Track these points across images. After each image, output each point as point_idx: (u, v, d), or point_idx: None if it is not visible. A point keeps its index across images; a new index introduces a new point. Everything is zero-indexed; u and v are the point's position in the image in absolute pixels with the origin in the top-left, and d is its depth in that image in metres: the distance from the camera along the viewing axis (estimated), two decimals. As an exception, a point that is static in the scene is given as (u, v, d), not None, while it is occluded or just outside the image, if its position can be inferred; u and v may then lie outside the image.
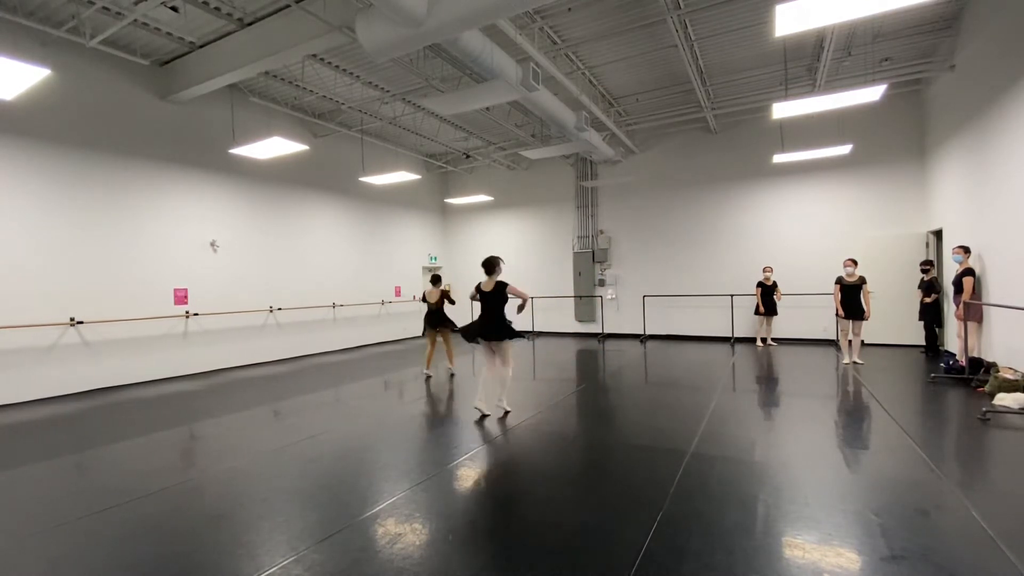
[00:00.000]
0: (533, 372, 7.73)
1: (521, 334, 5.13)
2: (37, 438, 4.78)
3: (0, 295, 6.15)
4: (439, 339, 7.54)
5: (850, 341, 7.49)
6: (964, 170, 7.21)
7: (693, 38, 7.32)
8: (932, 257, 8.69)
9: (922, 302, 8.08)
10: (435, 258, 14.37)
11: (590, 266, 12.50)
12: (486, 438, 4.40)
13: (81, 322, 6.84)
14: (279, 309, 9.62)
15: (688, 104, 9.95)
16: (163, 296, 7.80)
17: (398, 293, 12.69)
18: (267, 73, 8.10)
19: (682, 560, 2.35)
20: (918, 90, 9.14)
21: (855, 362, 7.45)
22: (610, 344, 10.75)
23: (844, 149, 8.21)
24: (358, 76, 8.38)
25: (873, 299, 8.48)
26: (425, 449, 4.15)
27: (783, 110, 6.61)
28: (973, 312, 6.53)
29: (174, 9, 6.25)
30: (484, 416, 5.06)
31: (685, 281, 11.41)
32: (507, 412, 5.13)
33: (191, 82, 7.33)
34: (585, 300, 12.60)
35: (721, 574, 2.24)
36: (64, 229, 6.75)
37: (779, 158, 8.57)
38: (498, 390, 5.15)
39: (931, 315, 8.04)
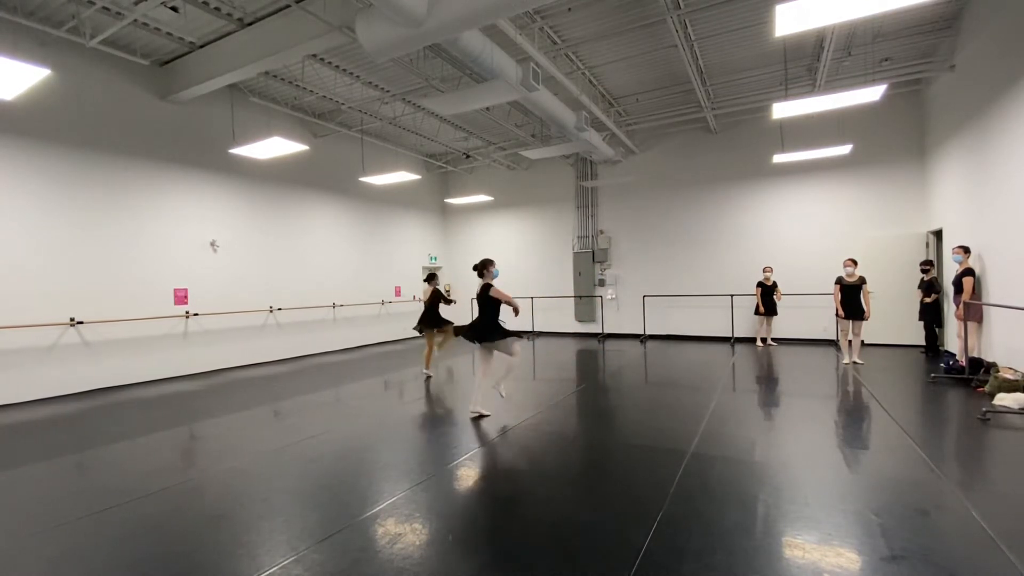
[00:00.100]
0: (533, 372, 7.73)
1: (510, 334, 5.03)
2: (37, 438, 4.78)
3: (0, 295, 6.15)
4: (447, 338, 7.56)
5: (850, 341, 7.49)
6: (964, 170, 7.21)
7: (693, 38, 7.32)
8: (932, 257, 8.69)
9: (922, 302, 8.08)
10: (435, 258, 14.37)
11: (590, 266, 12.50)
12: (486, 438, 4.40)
13: (81, 322, 6.84)
14: (279, 309, 9.62)
15: (688, 104, 9.95)
16: (163, 296, 7.80)
17: (398, 293, 12.69)
18: (267, 73, 8.10)
19: (682, 560, 2.35)
20: (918, 90, 9.14)
21: (855, 362, 7.45)
22: (610, 344, 10.75)
23: (844, 149, 8.21)
24: (358, 76, 8.38)
25: (873, 299, 8.48)
26: (425, 449, 4.15)
27: (783, 110, 6.61)
28: (973, 312, 6.53)
29: (174, 9, 6.25)
30: (482, 416, 5.05)
31: (685, 281, 11.41)
32: (501, 396, 5.23)
33: (191, 82, 7.33)
34: (585, 300, 12.60)
35: (721, 574, 2.24)
36: (64, 229, 6.75)
37: (779, 158, 8.57)
38: (500, 374, 5.18)
39: (931, 315, 8.04)
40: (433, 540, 2.62)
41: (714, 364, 7.84)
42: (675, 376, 7.04)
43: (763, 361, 8.06)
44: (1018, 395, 4.79)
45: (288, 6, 6.15)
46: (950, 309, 7.82)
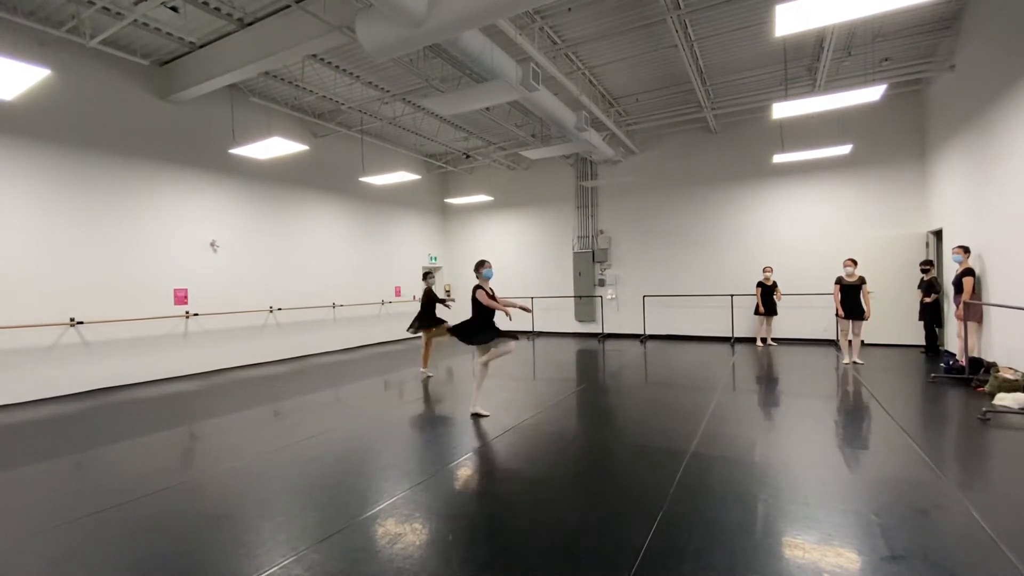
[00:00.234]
0: (533, 372, 7.73)
1: (501, 335, 5.00)
2: (37, 438, 4.78)
3: (0, 295, 6.15)
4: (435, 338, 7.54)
5: (850, 341, 7.49)
6: (964, 170, 7.21)
7: (693, 38, 7.32)
8: (932, 257, 8.69)
9: (922, 302, 8.08)
10: (435, 258, 14.37)
11: (590, 266, 12.50)
12: (485, 438, 4.40)
13: (81, 322, 6.84)
14: (279, 309, 9.62)
15: (688, 104, 9.94)
16: (163, 296, 7.80)
17: (398, 293, 12.69)
18: (267, 73, 8.10)
19: (682, 560, 2.35)
20: (918, 90, 9.14)
21: (855, 362, 7.45)
22: (610, 344, 10.75)
23: (844, 149, 8.21)
24: (358, 76, 8.38)
25: (873, 299, 8.48)
26: (425, 449, 4.15)
27: (783, 110, 6.61)
28: (973, 312, 6.53)
29: (174, 9, 6.25)
30: (482, 416, 5.05)
31: (685, 281, 11.41)
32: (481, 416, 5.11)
33: (191, 82, 7.33)
34: (585, 300, 12.60)
35: (721, 574, 2.24)
36: (64, 229, 6.75)
37: (779, 158, 8.57)
38: (488, 356, 5.14)
39: (931, 315, 8.04)
40: (433, 540, 2.63)
41: (714, 364, 7.84)
42: (675, 376, 7.04)
43: (763, 361, 8.06)
44: (1018, 395, 4.79)
45: (288, 6, 6.14)
46: (950, 309, 7.82)
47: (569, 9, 6.55)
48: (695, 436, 4.23)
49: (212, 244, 8.49)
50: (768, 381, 6.56)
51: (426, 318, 7.34)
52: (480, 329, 5.02)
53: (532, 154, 9.64)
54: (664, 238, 11.70)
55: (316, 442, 4.36)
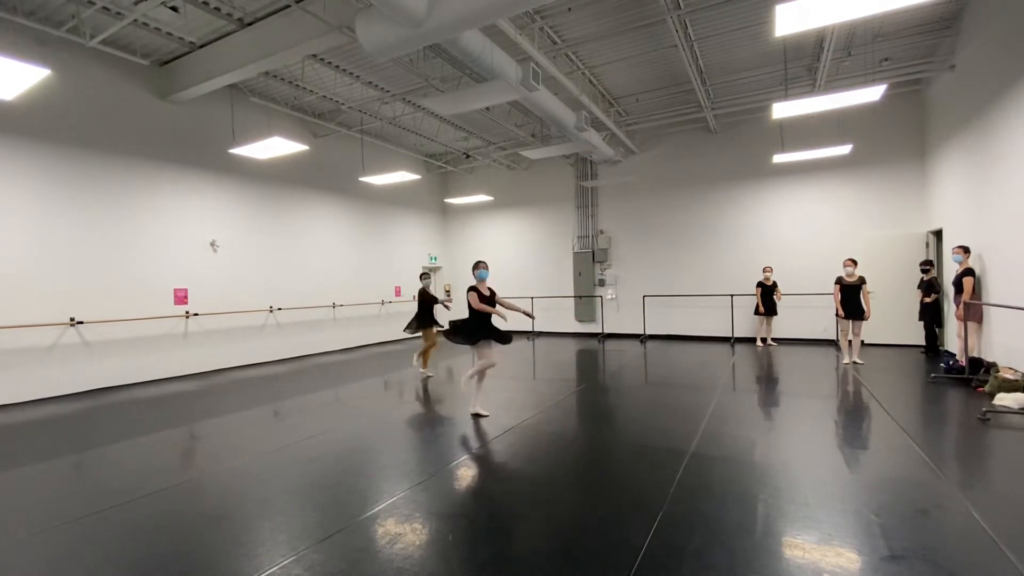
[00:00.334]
0: (533, 372, 7.73)
1: (484, 336, 4.98)
2: (37, 438, 4.78)
3: (0, 295, 6.15)
4: (436, 338, 7.51)
5: (850, 341, 7.49)
6: (964, 170, 7.21)
7: (693, 38, 7.32)
8: (932, 257, 8.69)
9: (922, 302, 8.08)
10: (435, 258, 14.37)
11: (590, 266, 12.50)
12: (485, 438, 4.40)
13: (81, 322, 6.84)
14: (279, 309, 9.62)
15: (688, 104, 9.94)
16: (163, 296, 7.80)
17: (398, 293, 12.69)
18: (267, 73, 8.10)
19: (682, 560, 2.35)
20: (918, 90, 9.14)
21: (855, 362, 7.45)
22: (610, 344, 10.75)
23: (844, 149, 8.21)
24: (358, 76, 8.38)
25: (873, 299, 8.48)
26: (425, 449, 4.15)
27: (783, 110, 6.61)
28: (973, 312, 6.53)
29: (174, 9, 6.25)
30: (482, 416, 5.05)
31: (685, 281, 11.41)
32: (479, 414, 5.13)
33: (191, 82, 7.33)
34: (585, 300, 12.60)
35: (721, 574, 2.24)
36: (64, 229, 6.75)
37: (779, 158, 8.57)
38: (475, 368, 5.15)
39: (931, 315, 8.04)
40: (433, 540, 2.63)
41: (714, 364, 7.84)
42: (675, 376, 7.04)
43: (763, 361, 8.06)
44: (1018, 395, 4.79)
45: (288, 6, 6.15)
46: (950, 309, 7.82)
47: (569, 9, 6.55)
48: (695, 436, 4.23)
49: (212, 244, 8.49)
50: (768, 381, 6.56)
51: (423, 319, 7.32)
52: (472, 330, 4.98)
53: (532, 154, 9.64)
54: (664, 238, 11.70)
55: (316, 442, 4.36)
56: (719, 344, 10.20)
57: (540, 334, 13.01)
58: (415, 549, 2.53)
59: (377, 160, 12.01)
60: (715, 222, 11.10)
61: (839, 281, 7.44)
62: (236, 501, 3.18)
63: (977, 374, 5.81)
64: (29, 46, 6.34)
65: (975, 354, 6.42)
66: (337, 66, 8.00)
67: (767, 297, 9.70)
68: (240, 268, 8.95)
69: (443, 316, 7.69)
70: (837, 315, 7.53)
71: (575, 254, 12.75)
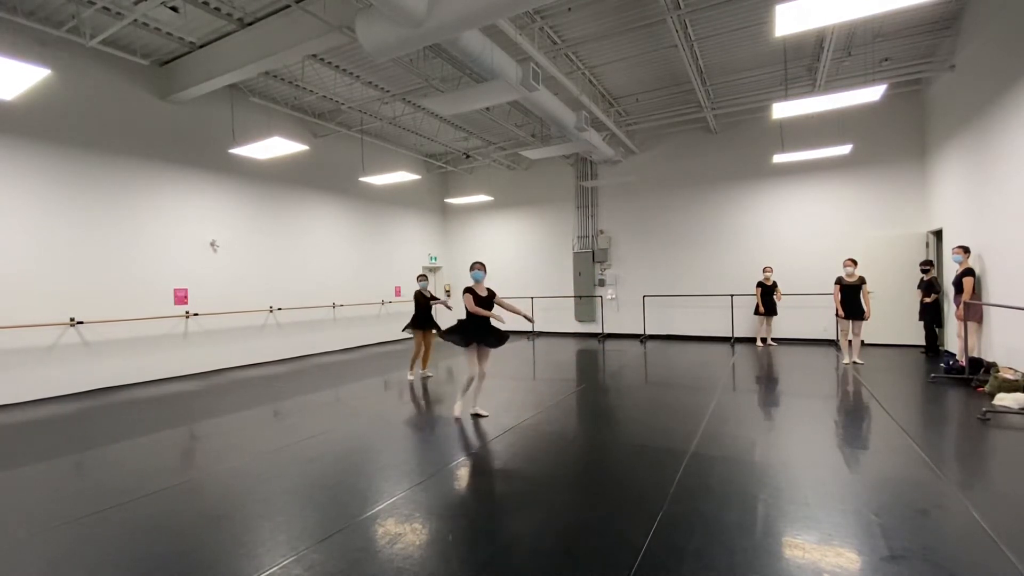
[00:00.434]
0: (533, 372, 7.73)
1: (465, 343, 4.94)
2: (37, 438, 4.78)
3: (0, 295, 6.15)
4: (432, 340, 7.44)
5: (850, 341, 7.49)
6: (964, 170, 7.21)
7: (693, 38, 7.32)
8: (932, 257, 8.69)
9: (922, 302, 8.08)
10: (435, 258, 14.38)
11: (590, 266, 12.50)
12: (485, 438, 4.40)
13: (81, 322, 6.84)
14: (279, 309, 9.62)
15: (688, 104, 9.95)
16: (163, 296, 7.80)
17: (398, 293, 12.69)
18: (267, 73, 8.10)
19: (682, 560, 2.35)
20: (918, 90, 9.14)
21: (855, 362, 7.45)
22: (610, 344, 10.75)
23: (844, 149, 8.21)
24: (358, 76, 8.38)
25: (873, 299, 8.48)
26: (425, 449, 4.15)
27: (783, 110, 6.61)
28: (973, 312, 6.53)
29: (174, 9, 6.25)
30: (481, 416, 5.05)
31: (685, 281, 11.41)
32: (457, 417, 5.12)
33: (191, 82, 7.33)
34: (585, 300, 12.60)
35: (721, 574, 2.24)
36: (64, 229, 6.75)
37: (779, 158, 8.57)
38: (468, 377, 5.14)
39: (931, 315, 8.04)
40: (433, 540, 2.62)
41: (714, 364, 7.84)
42: (675, 376, 7.04)
43: (763, 361, 8.06)
44: (1018, 395, 4.79)
45: (288, 6, 6.15)
46: (950, 309, 7.82)
47: (569, 9, 6.55)
48: (695, 436, 4.23)
49: (212, 244, 8.49)
50: (768, 381, 6.56)
51: (415, 321, 7.25)
52: (467, 332, 4.96)
53: (532, 154, 9.64)
54: (664, 238, 11.70)
55: (316, 442, 4.36)
56: (719, 344, 10.20)
57: (540, 334, 13.01)
58: (415, 549, 2.53)
59: (377, 160, 12.01)
60: (715, 222, 11.10)
61: (839, 281, 7.44)
62: (236, 501, 3.18)
63: (977, 374, 5.81)
64: (29, 46, 6.34)
65: (975, 354, 6.42)
66: (337, 66, 8.00)
67: (767, 297, 9.70)
68: (240, 268, 8.95)
69: (446, 318, 7.63)
70: (837, 315, 7.53)
71: (575, 254, 12.75)
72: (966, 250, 6.57)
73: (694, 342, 10.67)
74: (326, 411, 5.51)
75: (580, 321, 12.83)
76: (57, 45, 6.59)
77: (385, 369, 8.29)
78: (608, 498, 3.09)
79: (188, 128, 8.23)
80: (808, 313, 10.07)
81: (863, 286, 7.31)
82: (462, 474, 3.56)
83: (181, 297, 8.02)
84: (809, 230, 10.16)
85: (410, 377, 7.25)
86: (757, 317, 9.95)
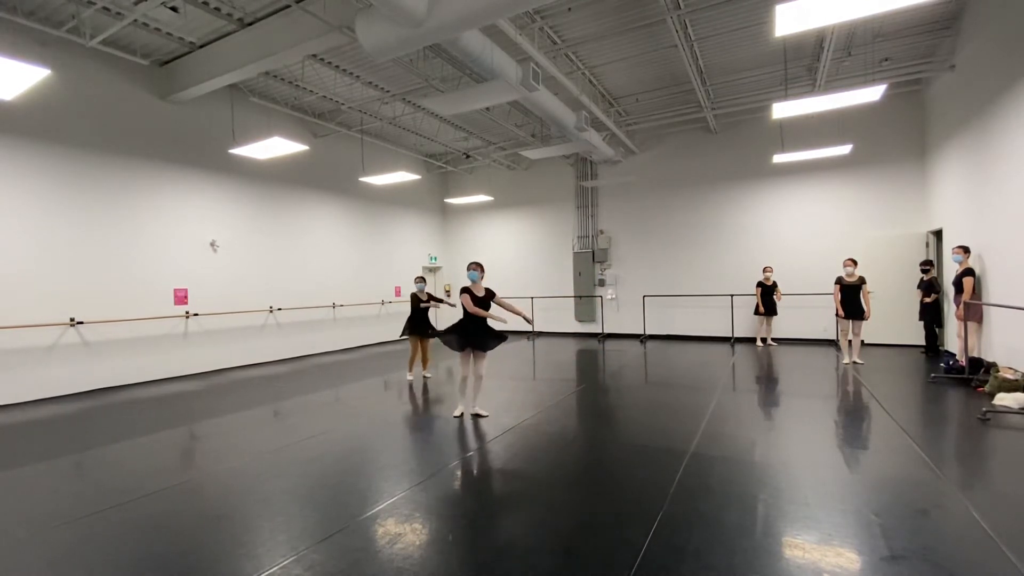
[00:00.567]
0: (533, 372, 7.73)
1: (460, 348, 4.99)
2: (37, 438, 4.78)
3: (0, 295, 6.15)
4: (429, 344, 7.42)
5: (850, 341, 7.49)
6: (964, 170, 7.21)
7: (693, 38, 7.32)
8: (932, 257, 8.69)
9: (922, 302, 8.08)
10: (435, 258, 14.38)
11: (590, 266, 12.50)
12: (485, 438, 4.40)
13: (81, 322, 6.84)
14: (279, 309, 9.62)
15: (688, 104, 9.95)
16: (163, 296, 7.80)
17: (398, 293, 12.69)
18: (267, 73, 8.10)
19: (682, 560, 2.35)
20: (918, 90, 9.14)
21: (855, 362, 7.45)
22: (610, 344, 10.75)
23: (844, 149, 8.21)
24: (358, 76, 8.38)
25: (873, 299, 8.48)
26: (425, 449, 4.15)
27: (783, 110, 6.61)
28: (973, 312, 6.53)
29: (174, 9, 6.25)
30: (481, 416, 5.05)
31: (685, 281, 11.41)
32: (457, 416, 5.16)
33: (191, 82, 7.33)
34: (585, 300, 12.60)
35: (721, 574, 2.24)
36: (64, 229, 6.75)
37: (779, 158, 8.57)
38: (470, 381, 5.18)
39: (931, 315, 8.04)
40: (433, 540, 2.63)
41: (714, 364, 7.84)
42: (675, 376, 7.04)
43: (763, 361, 8.06)
44: (1018, 395, 4.79)
45: (288, 6, 6.15)
46: (950, 309, 7.82)
47: (569, 9, 6.55)
48: (695, 436, 4.23)
49: (212, 244, 8.49)
50: (768, 381, 6.56)
51: (413, 324, 7.18)
52: (464, 333, 4.97)
53: (532, 154, 9.64)
54: (664, 238, 11.70)
55: (316, 442, 4.36)
56: (719, 344, 10.20)
57: (540, 334, 13.01)
58: (415, 549, 2.53)
59: (377, 160, 12.01)
60: (715, 222, 11.10)
61: (839, 281, 7.44)
62: (236, 501, 3.18)
63: (977, 374, 5.81)
64: (29, 46, 6.34)
65: (975, 354, 6.43)
66: (337, 66, 8.00)
67: (767, 297, 9.70)
68: (240, 268, 8.95)
69: (446, 316, 7.60)
70: (837, 315, 7.53)
71: (575, 254, 12.75)
72: (966, 250, 6.57)
73: (694, 342, 10.67)
74: (326, 411, 5.51)
75: (580, 321, 12.83)
76: (57, 45, 6.59)
77: (385, 369, 8.29)
78: (608, 498, 3.09)
79: (188, 128, 8.23)
80: (808, 313, 10.07)
81: (863, 286, 7.31)
82: (462, 474, 3.56)
83: (181, 297, 8.02)
84: (809, 230, 10.16)
85: (410, 377, 7.25)
86: (757, 317, 9.95)
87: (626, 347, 10.19)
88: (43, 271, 6.53)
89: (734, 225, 10.90)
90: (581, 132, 8.84)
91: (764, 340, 10.04)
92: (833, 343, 9.56)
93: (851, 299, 7.31)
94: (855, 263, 7.45)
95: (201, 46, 7.17)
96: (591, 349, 10.11)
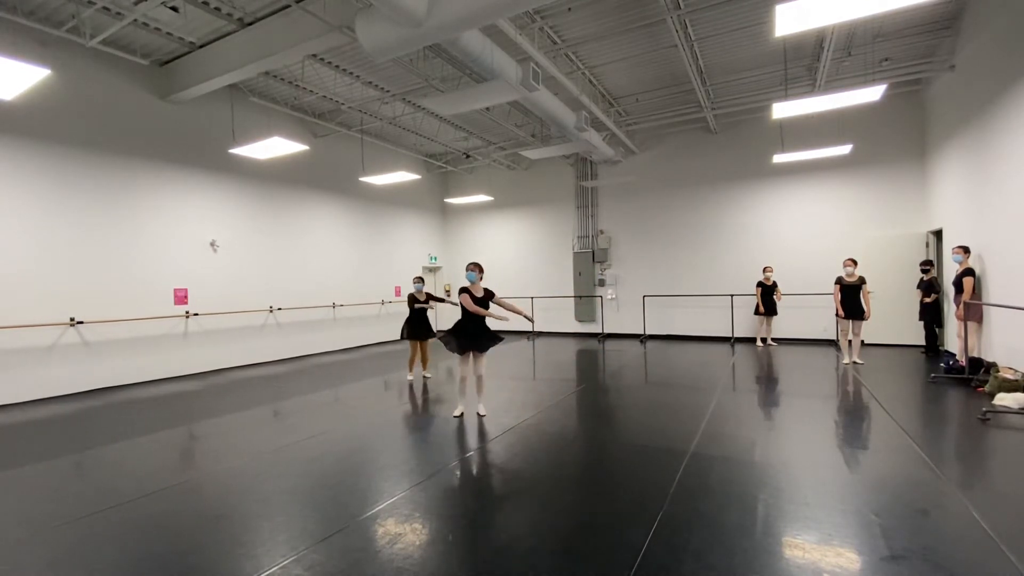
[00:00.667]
0: (533, 372, 7.73)
1: (462, 352, 5.02)
2: (37, 438, 4.78)
3: (0, 295, 6.15)
4: (428, 345, 7.40)
5: (850, 341, 7.49)
6: (964, 170, 7.21)
7: (693, 38, 7.32)
8: (932, 257, 8.69)
9: (922, 302, 8.08)
10: (435, 258, 14.38)
11: (590, 266, 12.50)
12: (485, 438, 4.40)
13: (81, 322, 6.84)
14: (279, 309, 9.62)
15: (688, 104, 9.95)
16: (163, 296, 7.80)
17: (398, 293, 12.69)
18: (267, 73, 8.10)
19: (682, 560, 2.35)
20: (918, 90, 9.14)
21: (855, 362, 7.45)
22: (610, 344, 10.75)
23: (844, 149, 8.20)
24: (358, 76, 8.38)
25: (873, 299, 8.48)
26: (425, 449, 4.15)
27: (783, 110, 6.61)
28: (973, 312, 6.53)
29: (174, 9, 6.25)
30: (481, 416, 5.05)
31: (685, 281, 11.41)
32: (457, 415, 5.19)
33: (191, 82, 7.33)
34: (585, 300, 12.60)
35: (721, 574, 2.24)
36: (64, 229, 6.75)
37: (779, 158, 8.57)
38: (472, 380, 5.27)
39: (931, 315, 8.04)
40: (433, 540, 2.62)
41: (714, 364, 7.84)
42: (675, 376, 7.04)
43: (763, 361, 8.06)
44: (1018, 395, 4.79)
45: (288, 6, 6.15)
46: (950, 309, 7.81)
47: (569, 9, 6.55)
48: (695, 436, 4.23)
49: (212, 244, 8.49)
50: (768, 381, 6.56)
51: (411, 327, 7.14)
52: (463, 335, 4.98)
53: (532, 154, 9.64)
54: (664, 238, 11.70)
55: (316, 442, 4.36)
56: (719, 344, 10.20)
57: (540, 334, 13.01)
58: (415, 549, 2.53)
59: (377, 160, 12.01)
60: (715, 222, 11.10)
61: (839, 281, 7.44)
62: (236, 501, 3.18)
63: (977, 374, 5.81)
64: (29, 46, 6.34)
65: (975, 354, 6.43)
66: (337, 66, 8.00)
67: (767, 297, 9.70)
68: (240, 268, 8.95)
69: (447, 319, 7.59)
70: (837, 315, 7.53)
71: (575, 254, 12.75)
72: (966, 250, 6.57)
73: (694, 342, 10.67)
74: (326, 411, 5.51)
75: (580, 321, 12.83)
76: (57, 45, 6.59)
77: (385, 369, 8.29)
78: (608, 498, 3.09)
79: (188, 128, 8.23)
80: (808, 313, 10.07)
81: (863, 286, 7.31)
82: (462, 474, 3.56)
83: (181, 297, 8.02)
84: (809, 230, 10.16)
85: (410, 377, 7.25)
86: (757, 317, 9.95)
87: (626, 347, 10.18)
88: (43, 271, 6.53)
89: (734, 225, 10.90)
90: (581, 132, 8.84)
91: (764, 340, 10.04)
92: (833, 343, 9.56)
93: (851, 299, 7.31)
94: (855, 263, 7.45)
95: (201, 46, 7.17)
96: (591, 349, 10.11)
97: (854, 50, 7.83)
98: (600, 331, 12.32)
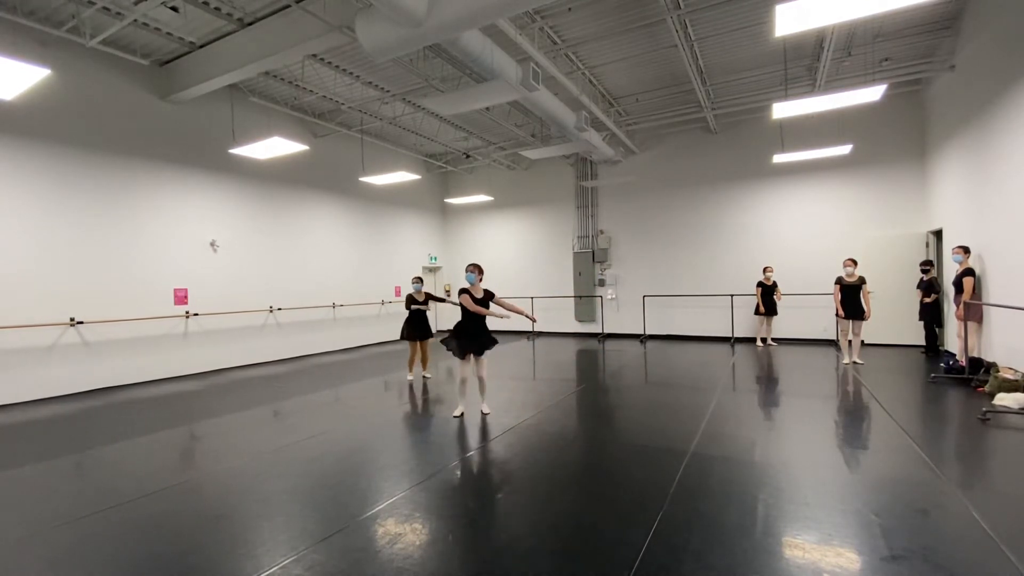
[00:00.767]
0: (533, 372, 7.73)
1: (461, 355, 5.05)
2: (37, 438, 4.78)
3: (0, 295, 6.15)
4: (428, 346, 7.39)
5: (850, 341, 7.49)
6: (964, 170, 7.21)
7: (693, 38, 7.32)
8: (932, 257, 8.69)
9: (922, 302, 8.08)
10: (435, 258, 14.37)
11: (590, 266, 12.50)
12: (486, 438, 4.40)
13: (81, 322, 6.84)
14: (279, 309, 9.62)
15: (688, 104, 9.95)
16: (163, 296, 7.80)
17: (398, 293, 12.69)
18: (267, 73, 8.10)
19: (682, 560, 2.35)
20: (918, 90, 9.14)
21: (855, 362, 7.45)
22: (610, 344, 10.75)
23: (844, 149, 8.21)
24: (358, 76, 8.38)
25: (873, 299, 8.48)
26: (425, 449, 4.15)
27: (783, 110, 6.61)
28: (973, 312, 6.53)
29: (174, 9, 6.25)
30: (482, 416, 5.06)
31: (685, 281, 11.41)
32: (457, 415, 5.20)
33: (191, 82, 7.33)
34: (585, 300, 12.60)
35: (721, 574, 2.24)
36: (64, 229, 6.75)
37: (779, 158, 8.57)
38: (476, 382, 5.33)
39: (931, 315, 8.04)
40: (433, 540, 2.62)
41: (714, 364, 7.84)
42: (675, 376, 7.04)
43: (763, 361, 8.06)
44: (1018, 395, 4.78)
45: (288, 6, 6.15)
46: (950, 309, 7.81)
47: (569, 9, 6.54)
48: (695, 436, 4.23)
49: (212, 244, 8.49)
50: (768, 381, 6.56)
51: (410, 328, 7.13)
52: (463, 336, 4.99)
53: (532, 154, 9.64)
54: (664, 238, 11.70)
55: (316, 442, 4.36)
56: (719, 344, 10.20)
57: (540, 334, 13.01)
58: (415, 549, 2.53)
59: (377, 160, 12.01)
60: (715, 222, 11.10)
61: (839, 281, 7.44)
62: (236, 501, 3.18)
63: (977, 374, 5.81)
64: (29, 46, 6.34)
65: (975, 354, 6.43)
66: (337, 66, 8.00)
67: (767, 297, 9.70)
68: (240, 268, 8.95)
69: (448, 319, 7.59)
70: (837, 315, 7.53)
71: (575, 254, 12.75)
72: (966, 250, 6.57)
73: (694, 342, 10.67)
74: (326, 411, 5.51)
75: (580, 321, 12.83)
76: (57, 45, 6.59)
77: (385, 369, 8.29)
78: (608, 498, 3.09)
79: (188, 128, 8.23)
80: (808, 313, 10.07)
81: (863, 286, 7.31)
82: (462, 474, 3.56)
83: (181, 297, 8.02)
84: (809, 230, 10.16)
85: (409, 377, 7.25)
86: (757, 317, 9.95)
87: (626, 347, 10.18)
88: (43, 271, 6.53)
89: (734, 225, 10.90)
90: (581, 132, 8.83)
91: (764, 340, 10.04)
92: (833, 343, 9.56)
93: (851, 299, 7.31)
94: (855, 263, 7.45)
95: (201, 46, 7.17)
96: (591, 349, 10.11)
97: (854, 50, 7.83)
98: (600, 331, 12.32)
